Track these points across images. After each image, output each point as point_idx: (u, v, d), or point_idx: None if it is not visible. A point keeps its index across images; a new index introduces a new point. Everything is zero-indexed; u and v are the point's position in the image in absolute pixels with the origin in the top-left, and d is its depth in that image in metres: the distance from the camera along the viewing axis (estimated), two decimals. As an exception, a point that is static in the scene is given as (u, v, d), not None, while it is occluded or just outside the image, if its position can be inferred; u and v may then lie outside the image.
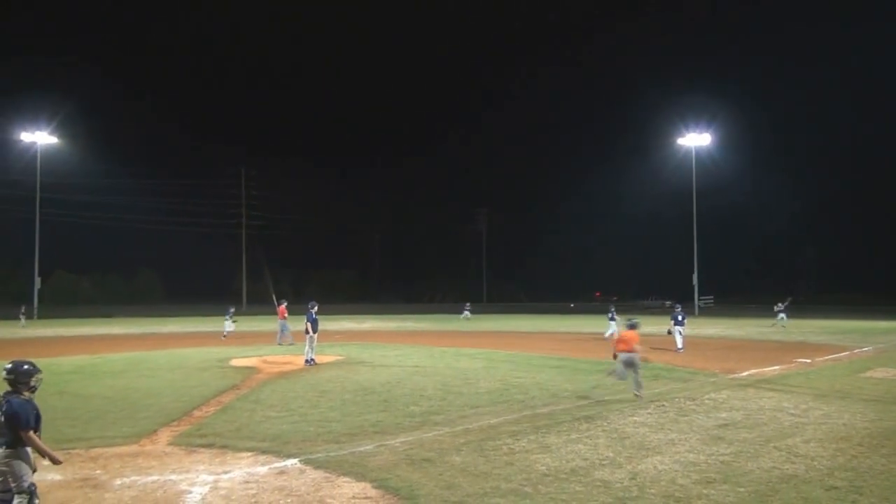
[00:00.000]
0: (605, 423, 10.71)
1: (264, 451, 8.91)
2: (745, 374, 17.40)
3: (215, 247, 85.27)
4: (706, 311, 65.75)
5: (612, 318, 30.75)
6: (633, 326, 13.80)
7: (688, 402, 12.78)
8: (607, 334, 30.18)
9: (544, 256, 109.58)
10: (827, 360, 21.41)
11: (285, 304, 28.14)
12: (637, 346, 13.27)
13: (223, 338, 30.58)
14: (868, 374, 17.54)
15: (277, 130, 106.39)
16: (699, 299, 68.02)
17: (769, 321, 41.55)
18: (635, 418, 11.18)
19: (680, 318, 24.85)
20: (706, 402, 12.91)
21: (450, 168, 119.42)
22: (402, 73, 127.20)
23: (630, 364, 13.26)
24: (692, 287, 67.27)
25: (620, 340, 13.71)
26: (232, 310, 33.05)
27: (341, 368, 18.34)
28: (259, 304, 76.79)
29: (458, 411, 11.80)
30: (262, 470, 8.05)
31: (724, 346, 27.10)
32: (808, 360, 20.90)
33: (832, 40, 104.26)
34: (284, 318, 26.97)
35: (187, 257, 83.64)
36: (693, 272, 66.85)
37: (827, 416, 11.48)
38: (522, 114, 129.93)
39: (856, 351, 24.55)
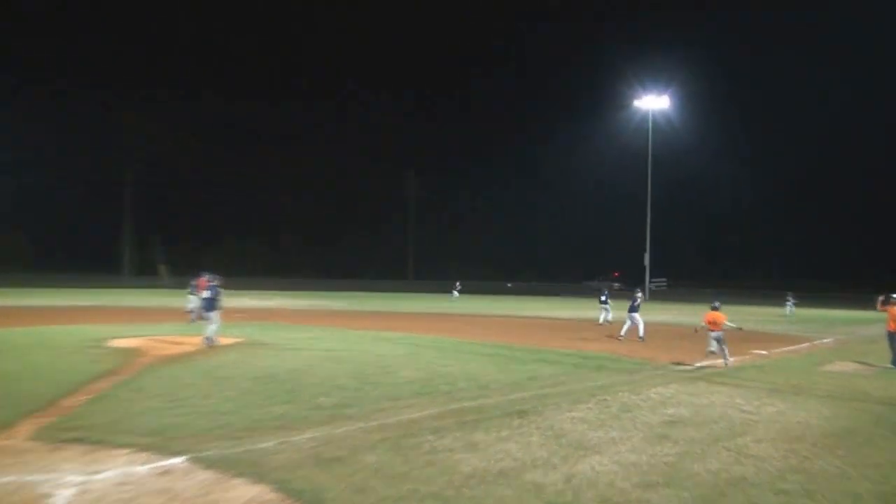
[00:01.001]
0: (540, 419, 10.92)
1: (145, 448, 8.74)
2: (696, 365, 17.99)
3: (94, 208, 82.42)
4: (659, 295, 67.54)
5: (604, 303, 32.01)
6: (716, 308, 18.29)
7: (632, 397, 13.14)
8: (602, 320, 31.18)
9: (480, 230, 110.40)
10: (785, 351, 22.36)
11: (207, 276, 27.93)
12: (725, 325, 17.89)
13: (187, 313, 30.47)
14: (827, 367, 18.40)
15: (175, 77, 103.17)
16: (651, 281, 69.60)
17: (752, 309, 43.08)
18: (573, 414, 11.44)
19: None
20: (652, 396, 13.31)
21: (377, 126, 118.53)
22: (341, 29, 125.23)
23: (719, 340, 17.75)
24: (644, 268, 68.80)
25: (712, 321, 17.90)
26: (194, 283, 32.79)
27: (241, 352, 18.13)
28: (145, 275, 75.01)
29: (375, 404, 11.83)
30: (142, 469, 7.90)
31: (676, 334, 27.92)
32: (765, 352, 21.78)
33: (816, 12, 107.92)
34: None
35: (61, 219, 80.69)
36: (645, 251, 68.32)
37: (781, 413, 11.99)
38: (468, 73, 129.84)
39: (816, 342, 25.69)
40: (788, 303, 44.82)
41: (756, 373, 17.05)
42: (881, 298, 19.88)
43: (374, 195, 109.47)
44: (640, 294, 26.86)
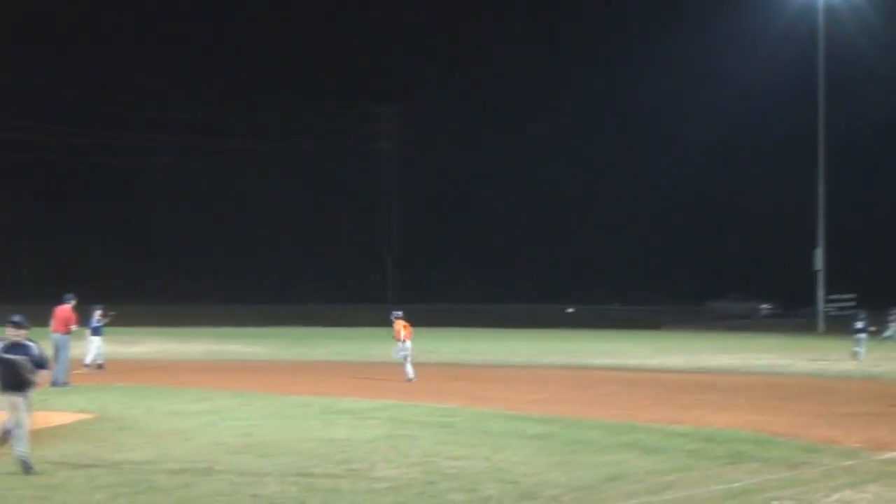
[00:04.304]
0: (634, 552, 10.99)
1: None
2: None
3: None
4: (840, 321, 66.08)
5: (861, 330, 37.14)
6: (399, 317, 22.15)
7: (799, 509, 13.17)
8: (861, 354, 35.94)
9: (508, 220, 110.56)
10: None
11: (73, 302, 28.66)
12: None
13: (89, 368, 32.07)
14: None
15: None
16: (826, 299, 68.24)
17: None
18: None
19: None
20: (834, 508, 13.32)
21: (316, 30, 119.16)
22: None
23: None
24: (814, 274, 67.34)
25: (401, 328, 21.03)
26: (98, 312, 33.56)
27: (87, 439, 18.10)
28: None
29: (334, 528, 11.89)
30: None
31: (872, 393, 27.84)
32: None
33: None
34: (68, 330, 28.08)
35: None
36: (817, 246, 67.04)
37: None
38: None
39: None
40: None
41: None
42: None
43: (330, 146, 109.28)
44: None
